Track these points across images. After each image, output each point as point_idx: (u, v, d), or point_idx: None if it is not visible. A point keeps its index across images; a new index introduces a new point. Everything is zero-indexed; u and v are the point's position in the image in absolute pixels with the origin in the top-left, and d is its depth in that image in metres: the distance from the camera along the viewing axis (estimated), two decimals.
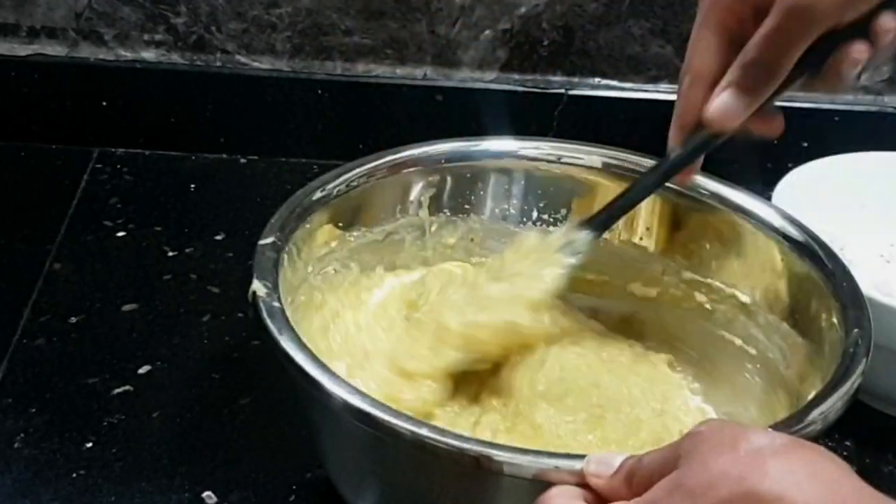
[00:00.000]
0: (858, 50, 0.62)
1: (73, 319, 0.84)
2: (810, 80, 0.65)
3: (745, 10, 0.64)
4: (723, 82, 0.65)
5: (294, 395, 0.66)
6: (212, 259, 0.92)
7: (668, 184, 0.78)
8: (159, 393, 0.79)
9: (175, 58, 1.02)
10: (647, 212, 0.79)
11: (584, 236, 0.72)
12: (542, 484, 0.55)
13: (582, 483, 0.54)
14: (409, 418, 0.58)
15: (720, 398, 0.75)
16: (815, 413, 0.60)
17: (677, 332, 0.79)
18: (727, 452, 0.47)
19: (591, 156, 0.80)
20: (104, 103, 1.03)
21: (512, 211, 0.81)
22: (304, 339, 0.62)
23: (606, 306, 0.81)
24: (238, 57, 1.02)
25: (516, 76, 1.04)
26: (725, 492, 0.46)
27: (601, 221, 0.73)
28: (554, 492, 0.54)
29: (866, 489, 0.46)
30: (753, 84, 0.64)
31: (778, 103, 0.67)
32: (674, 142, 0.69)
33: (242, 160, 1.05)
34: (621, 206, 0.72)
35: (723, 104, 0.65)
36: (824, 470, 0.46)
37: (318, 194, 0.74)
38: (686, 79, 0.67)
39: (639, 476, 0.51)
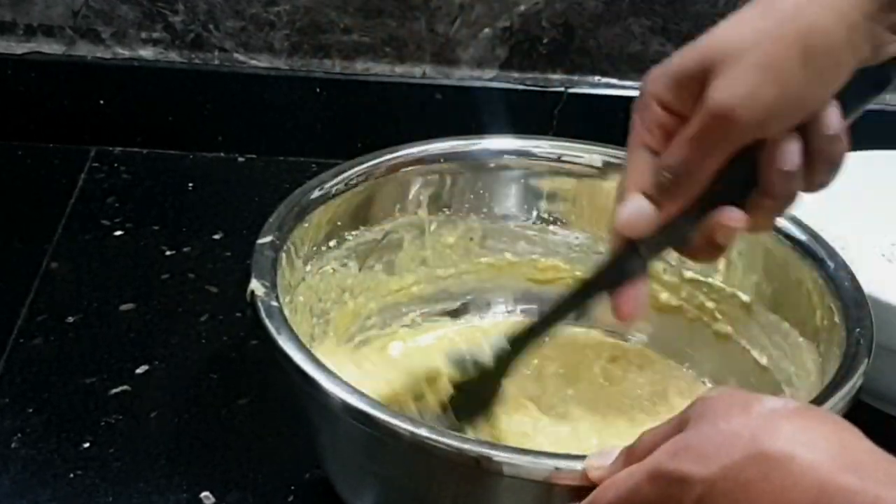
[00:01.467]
0: (732, 217, 0.58)
1: (71, 319, 0.84)
2: (686, 249, 0.61)
3: (672, 124, 0.59)
4: (632, 186, 0.60)
5: (292, 395, 0.66)
6: (210, 258, 0.92)
7: None
8: (157, 393, 0.79)
9: (173, 56, 1.02)
10: None
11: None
12: (541, 485, 0.55)
13: (583, 485, 0.53)
14: (408, 418, 0.58)
15: None
16: None
17: (678, 332, 0.79)
18: (739, 415, 0.46)
19: (590, 154, 0.80)
20: (101, 102, 1.02)
21: (511, 210, 0.81)
22: (303, 339, 0.62)
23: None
24: (236, 55, 1.02)
25: (516, 74, 1.03)
26: (738, 453, 0.45)
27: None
28: None
29: (880, 451, 0.45)
30: (667, 189, 0.59)
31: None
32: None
33: (240, 159, 1.05)
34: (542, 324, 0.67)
35: (634, 208, 0.60)
36: (838, 431, 0.46)
37: (317, 193, 0.74)
38: (622, 196, 0.61)
39: (639, 450, 0.50)
